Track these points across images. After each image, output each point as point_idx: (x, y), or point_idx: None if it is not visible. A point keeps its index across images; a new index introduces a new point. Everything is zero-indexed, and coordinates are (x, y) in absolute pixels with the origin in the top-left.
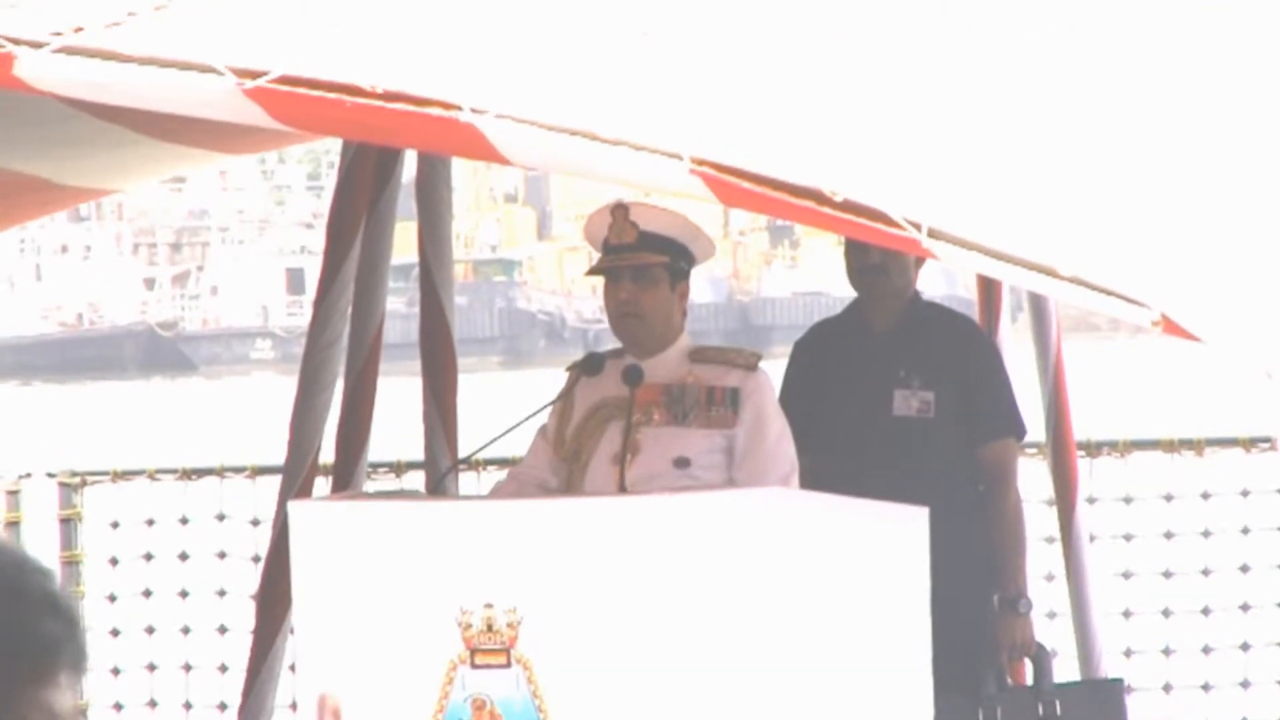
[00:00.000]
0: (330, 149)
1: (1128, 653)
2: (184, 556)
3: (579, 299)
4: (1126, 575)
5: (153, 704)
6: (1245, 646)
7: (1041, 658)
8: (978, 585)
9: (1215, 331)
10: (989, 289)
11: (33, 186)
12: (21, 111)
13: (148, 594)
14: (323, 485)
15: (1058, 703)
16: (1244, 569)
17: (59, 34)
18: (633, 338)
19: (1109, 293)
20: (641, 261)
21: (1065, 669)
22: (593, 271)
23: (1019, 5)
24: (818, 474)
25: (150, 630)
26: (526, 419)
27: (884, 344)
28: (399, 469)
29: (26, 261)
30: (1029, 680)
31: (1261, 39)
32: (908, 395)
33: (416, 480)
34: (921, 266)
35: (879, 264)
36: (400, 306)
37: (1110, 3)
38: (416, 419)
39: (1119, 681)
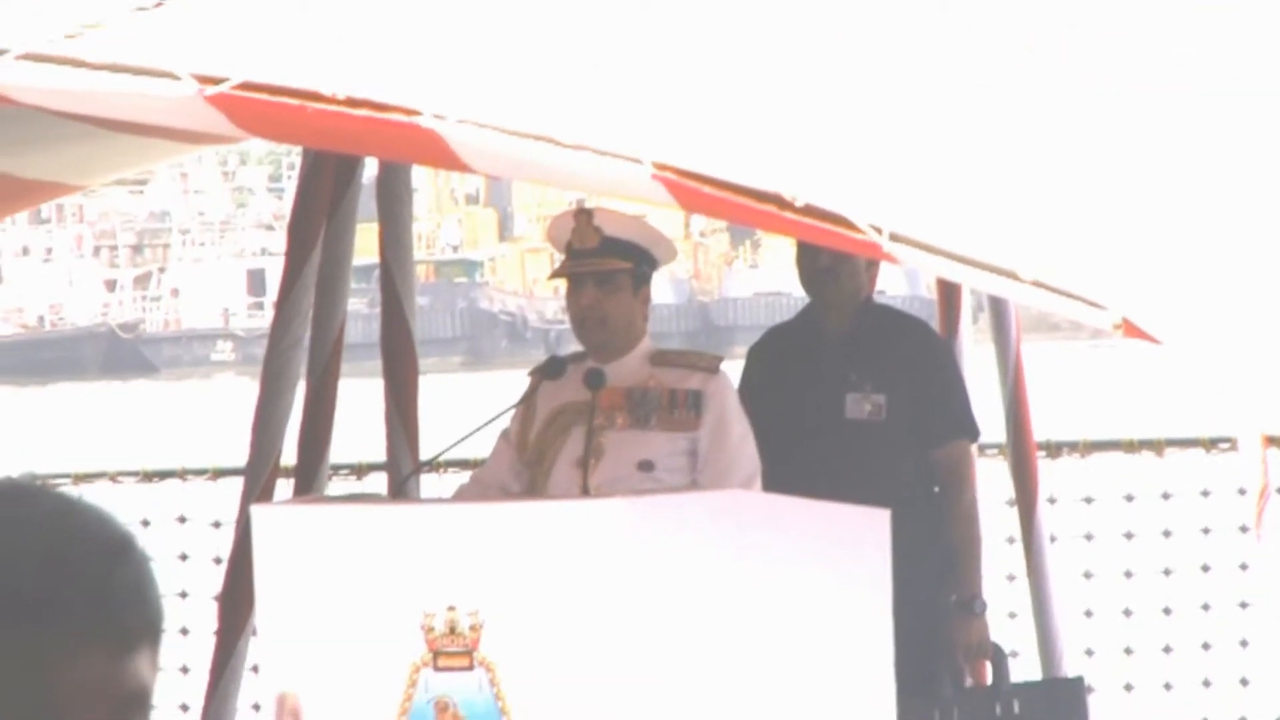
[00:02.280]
0: (291, 150)
1: (1089, 652)
2: None
3: (541, 300)
4: (1088, 575)
5: None
6: (1206, 646)
7: (999, 658)
8: (933, 587)
9: (1175, 334)
10: (949, 291)
11: None
12: None
13: None
14: (285, 487)
15: (1016, 702)
16: (1205, 569)
17: (23, 41)
18: (596, 342)
19: (1070, 295)
20: (605, 267)
21: (1027, 669)
22: (555, 275)
23: (982, 8)
24: (772, 478)
25: None
26: (488, 422)
27: (836, 348)
28: (361, 471)
29: None
30: (990, 681)
31: (1231, 40)
32: (859, 399)
33: (378, 483)
34: (875, 270)
35: (828, 267)
36: (362, 307)
37: (1075, 5)
38: (378, 421)
39: (1079, 680)
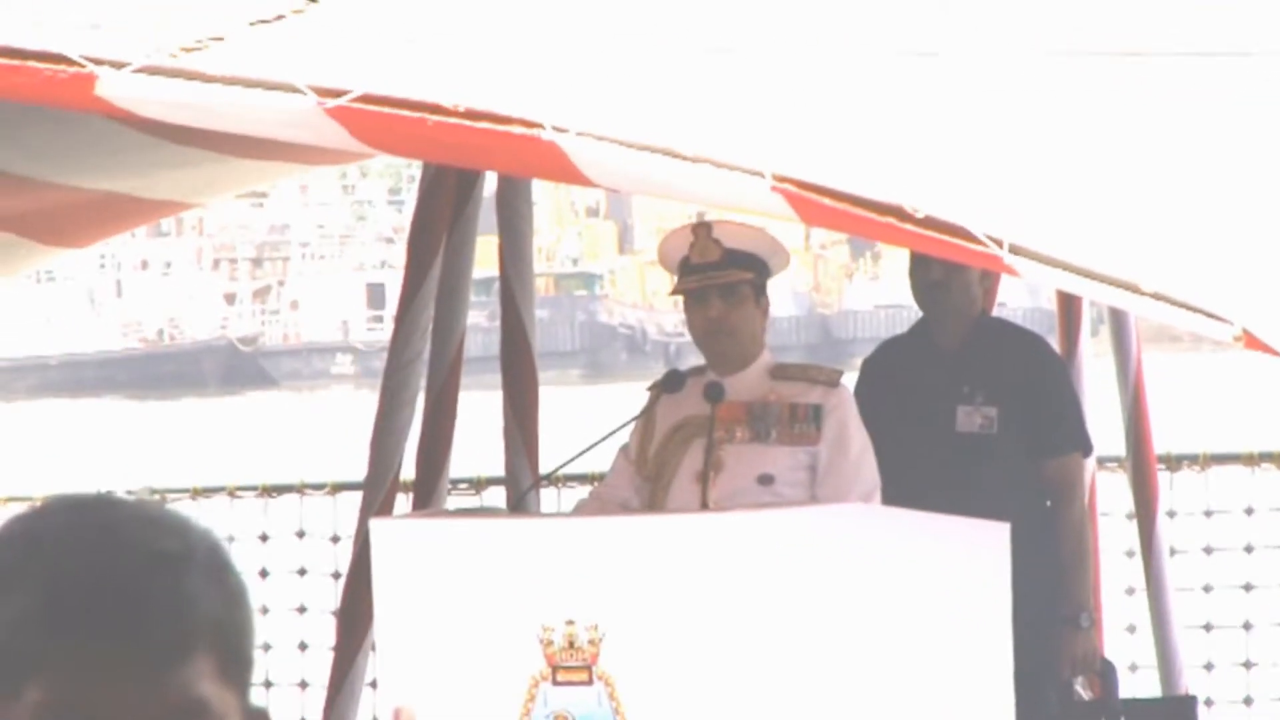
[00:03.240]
0: (412, 163)
1: (1209, 666)
2: (264, 573)
3: (660, 312)
4: (1207, 589)
5: None
6: None
7: (1108, 673)
8: (1043, 601)
9: None
10: (1069, 303)
11: (119, 202)
12: (106, 141)
13: None
14: (403, 502)
15: (1124, 718)
16: None
17: (143, 55)
18: (723, 355)
19: (1190, 308)
20: (729, 279)
21: (1146, 683)
22: (677, 291)
23: (1093, 23)
24: (885, 491)
25: None
26: (608, 436)
27: (949, 360)
28: (480, 485)
29: (107, 277)
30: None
31: None
32: (971, 411)
33: (497, 497)
34: (989, 284)
35: (940, 280)
36: (481, 320)
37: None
38: (497, 435)
39: (1192, 699)
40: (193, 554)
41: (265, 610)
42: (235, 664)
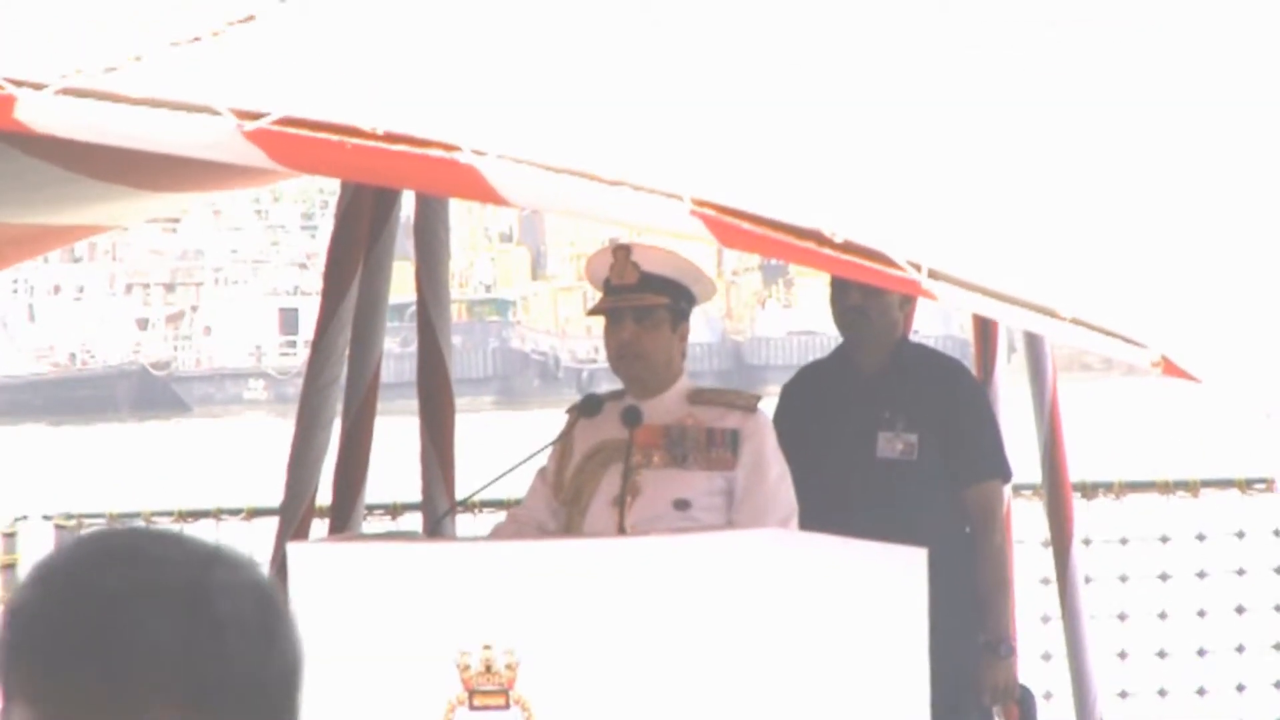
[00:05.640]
0: (324, 188)
1: (1123, 694)
2: None
3: (573, 339)
4: (1122, 617)
5: None
6: (1240, 688)
7: (1026, 701)
8: (962, 628)
9: (1215, 372)
10: (985, 329)
11: (30, 233)
12: (22, 177)
13: None
14: (319, 527)
15: None
16: (1239, 610)
17: (62, 76)
18: (634, 378)
19: (1109, 333)
20: (644, 303)
21: (1061, 711)
22: (594, 312)
23: (1020, 39)
24: (804, 516)
25: None
26: (525, 460)
27: (869, 386)
28: (396, 510)
29: (19, 302)
30: None
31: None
32: (891, 437)
33: (414, 522)
34: (909, 308)
35: (858, 305)
36: (395, 346)
37: (1113, 32)
38: (413, 460)
39: None
40: (161, 591)
41: None
42: (217, 699)
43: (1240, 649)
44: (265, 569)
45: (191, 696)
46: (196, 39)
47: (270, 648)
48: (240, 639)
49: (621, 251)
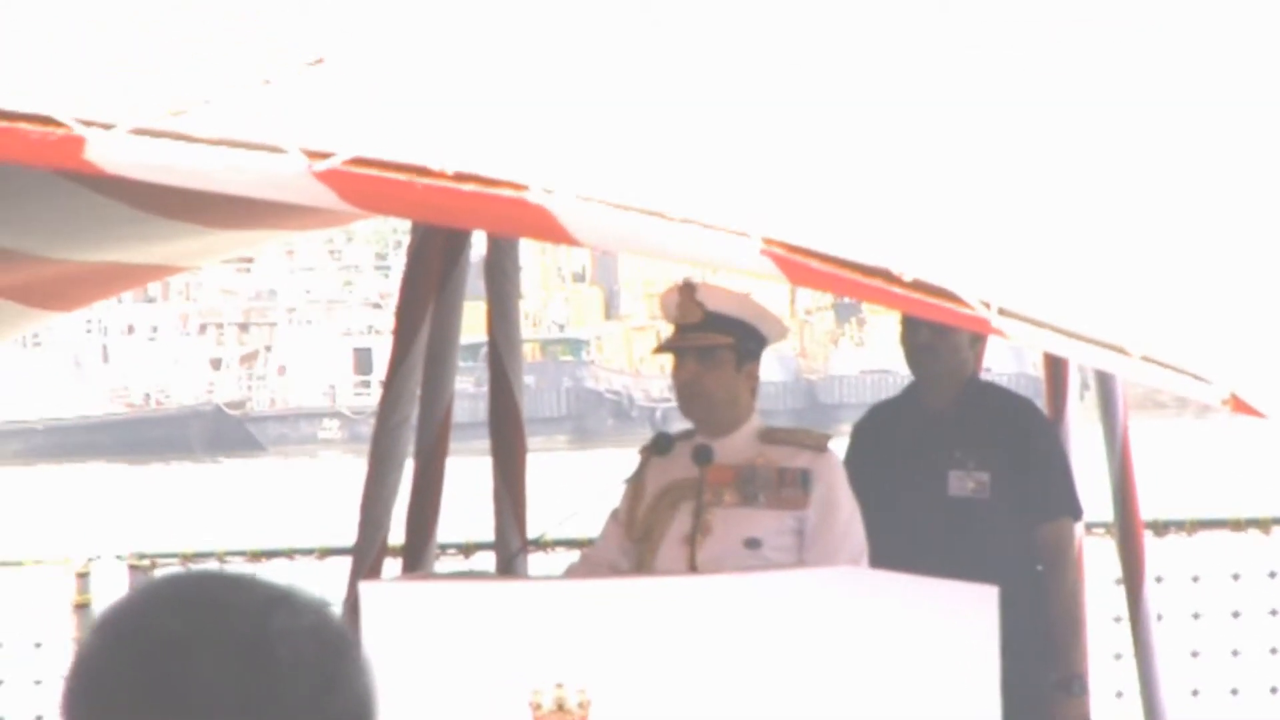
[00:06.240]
0: (398, 228)
1: None
2: None
3: (646, 378)
4: (1194, 654)
5: None
6: None
7: None
8: (1033, 666)
9: None
10: (1056, 367)
11: (108, 269)
12: (93, 216)
13: None
14: (393, 566)
15: None
16: None
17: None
18: (697, 417)
19: (1178, 370)
20: (706, 342)
21: None
22: (659, 350)
23: (1086, 72)
24: (875, 555)
25: None
26: (596, 499)
27: (939, 424)
28: (468, 550)
29: (93, 342)
30: None
31: None
32: (962, 476)
33: (486, 561)
34: (980, 347)
35: (927, 344)
36: (468, 386)
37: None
38: (486, 500)
39: None
40: (220, 637)
41: None
42: None
43: None
44: (335, 611)
45: None
46: (266, 82)
47: (332, 693)
48: (299, 684)
49: (686, 290)
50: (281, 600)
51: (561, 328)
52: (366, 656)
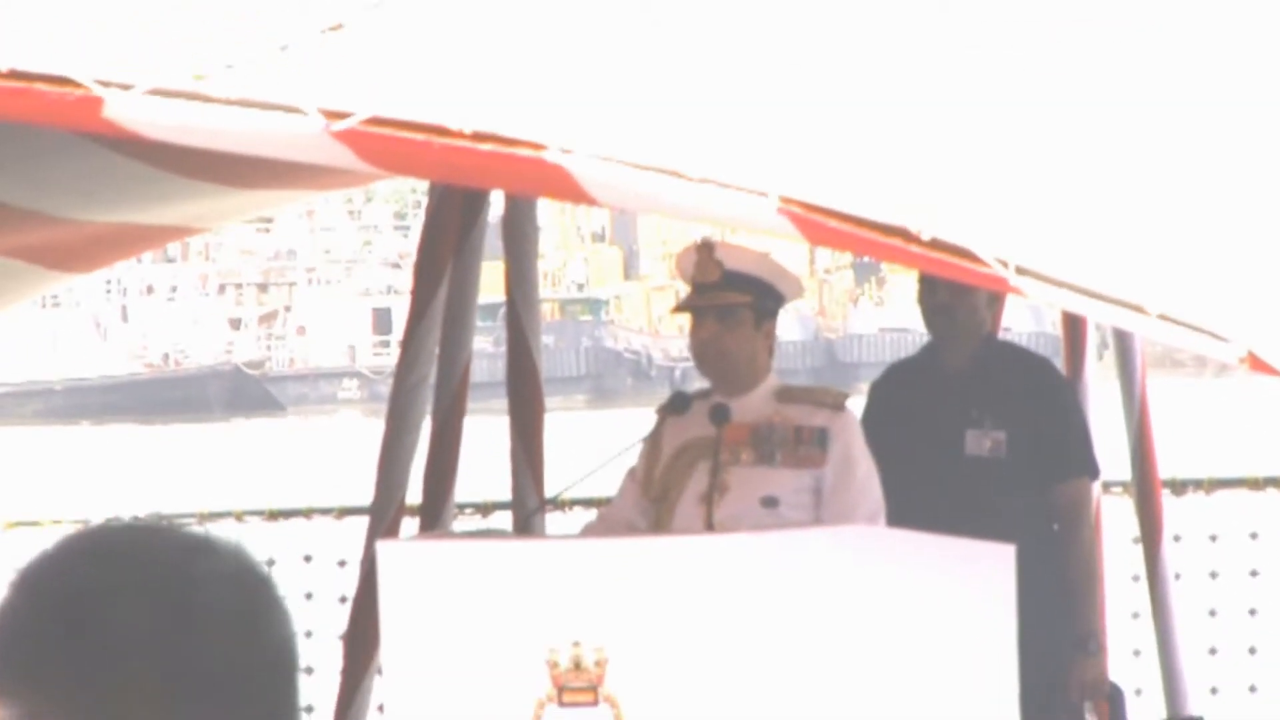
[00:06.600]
0: (417, 188)
1: (1214, 690)
2: None
3: (665, 338)
4: (1212, 613)
5: None
6: None
7: (1116, 698)
8: (1050, 625)
9: None
10: (1074, 326)
11: (126, 230)
12: (112, 175)
13: None
14: (410, 526)
15: None
16: None
17: (151, 79)
18: (715, 376)
19: (1195, 328)
20: (725, 301)
21: (1151, 708)
22: (678, 309)
23: (1102, 32)
24: (892, 514)
25: None
26: (613, 458)
27: (956, 384)
28: (486, 509)
29: (113, 303)
30: None
31: None
32: (979, 435)
33: (504, 520)
34: (997, 306)
35: (945, 303)
36: (487, 346)
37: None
38: (503, 459)
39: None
40: (135, 585)
41: None
42: (195, 689)
43: None
44: (254, 556)
45: (168, 687)
46: (284, 48)
47: (253, 636)
48: (219, 628)
49: (705, 249)
50: (201, 547)
51: (580, 287)
52: (286, 602)
